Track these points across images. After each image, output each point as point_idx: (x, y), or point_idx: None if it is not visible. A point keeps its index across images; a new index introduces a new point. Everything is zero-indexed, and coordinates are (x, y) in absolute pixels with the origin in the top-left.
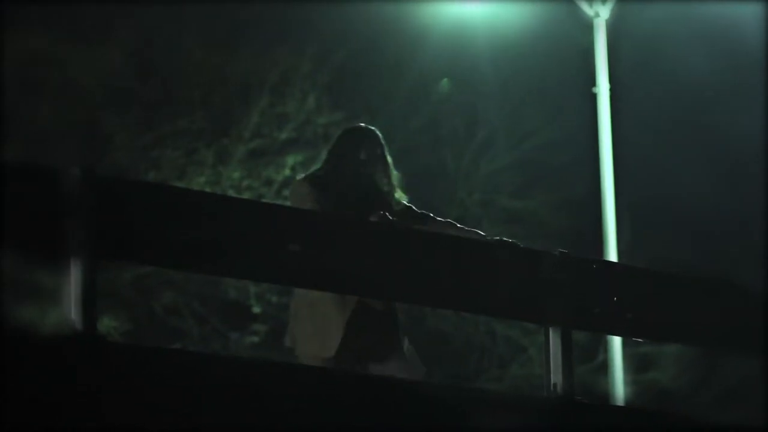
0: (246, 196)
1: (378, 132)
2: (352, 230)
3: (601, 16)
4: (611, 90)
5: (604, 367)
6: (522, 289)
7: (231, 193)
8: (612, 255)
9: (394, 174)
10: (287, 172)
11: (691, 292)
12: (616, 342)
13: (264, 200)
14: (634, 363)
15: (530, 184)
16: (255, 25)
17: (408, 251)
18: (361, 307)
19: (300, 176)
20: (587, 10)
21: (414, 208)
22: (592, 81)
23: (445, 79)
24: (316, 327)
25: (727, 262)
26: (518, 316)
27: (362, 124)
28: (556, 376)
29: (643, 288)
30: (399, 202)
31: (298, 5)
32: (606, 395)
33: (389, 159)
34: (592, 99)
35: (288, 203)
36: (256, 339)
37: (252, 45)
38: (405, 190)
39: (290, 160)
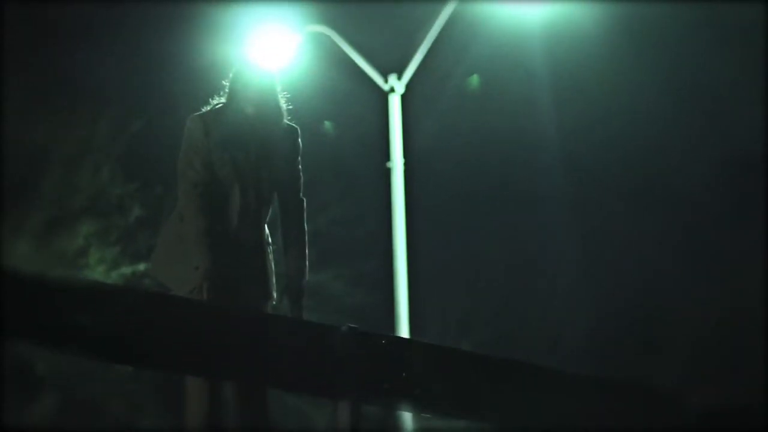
0: (37, 268)
1: (268, 70)
2: (145, 303)
3: (396, 90)
4: (406, 164)
5: None
6: (311, 363)
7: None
8: (403, 331)
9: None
10: (80, 241)
11: (481, 370)
12: (407, 417)
13: (55, 272)
14: None
15: (323, 257)
16: (52, 94)
17: (195, 324)
18: (229, 241)
19: (197, 113)
20: (382, 84)
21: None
22: (387, 155)
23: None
24: (183, 257)
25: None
26: (307, 391)
27: (255, 63)
28: None
29: (432, 364)
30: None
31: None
32: None
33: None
34: (387, 173)
35: None
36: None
37: (48, 114)
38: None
39: (84, 229)
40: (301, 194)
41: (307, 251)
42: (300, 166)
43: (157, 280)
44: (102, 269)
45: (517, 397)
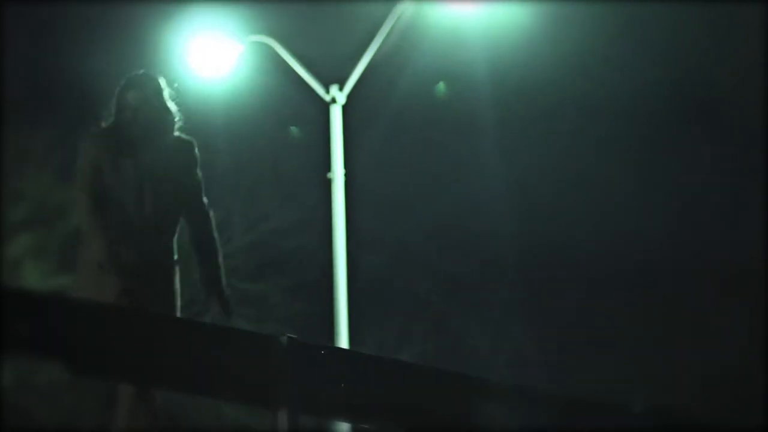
0: None
1: (151, 76)
2: (79, 311)
3: (337, 101)
4: (346, 175)
5: None
6: (249, 372)
7: None
8: (343, 341)
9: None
10: (18, 250)
11: (420, 381)
12: (344, 427)
13: None
14: None
15: (263, 267)
16: None
17: (129, 332)
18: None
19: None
20: (323, 95)
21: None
22: (328, 165)
23: (441, 83)
24: (87, 280)
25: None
26: (245, 401)
27: (139, 73)
28: None
29: (370, 374)
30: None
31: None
32: None
33: (166, 99)
34: (328, 184)
35: None
36: None
37: None
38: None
39: (23, 240)
40: (204, 202)
41: (220, 259)
42: (200, 177)
43: None
44: (38, 278)
45: (456, 409)
